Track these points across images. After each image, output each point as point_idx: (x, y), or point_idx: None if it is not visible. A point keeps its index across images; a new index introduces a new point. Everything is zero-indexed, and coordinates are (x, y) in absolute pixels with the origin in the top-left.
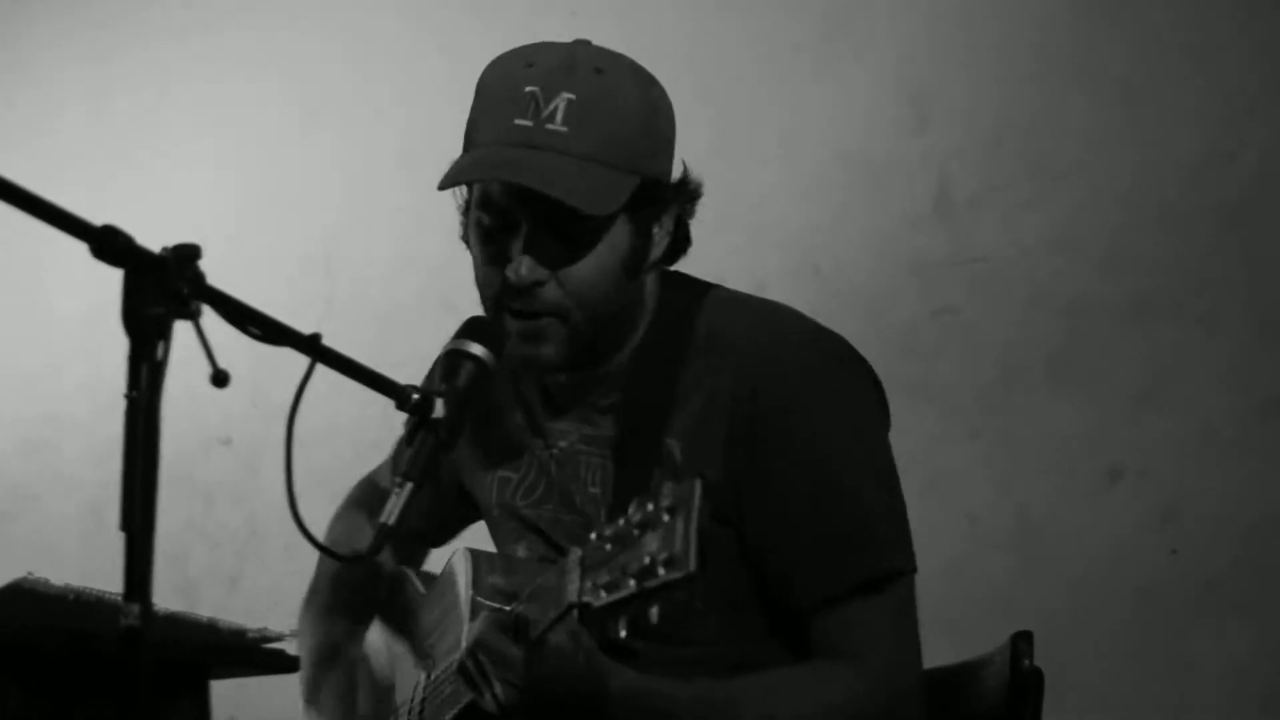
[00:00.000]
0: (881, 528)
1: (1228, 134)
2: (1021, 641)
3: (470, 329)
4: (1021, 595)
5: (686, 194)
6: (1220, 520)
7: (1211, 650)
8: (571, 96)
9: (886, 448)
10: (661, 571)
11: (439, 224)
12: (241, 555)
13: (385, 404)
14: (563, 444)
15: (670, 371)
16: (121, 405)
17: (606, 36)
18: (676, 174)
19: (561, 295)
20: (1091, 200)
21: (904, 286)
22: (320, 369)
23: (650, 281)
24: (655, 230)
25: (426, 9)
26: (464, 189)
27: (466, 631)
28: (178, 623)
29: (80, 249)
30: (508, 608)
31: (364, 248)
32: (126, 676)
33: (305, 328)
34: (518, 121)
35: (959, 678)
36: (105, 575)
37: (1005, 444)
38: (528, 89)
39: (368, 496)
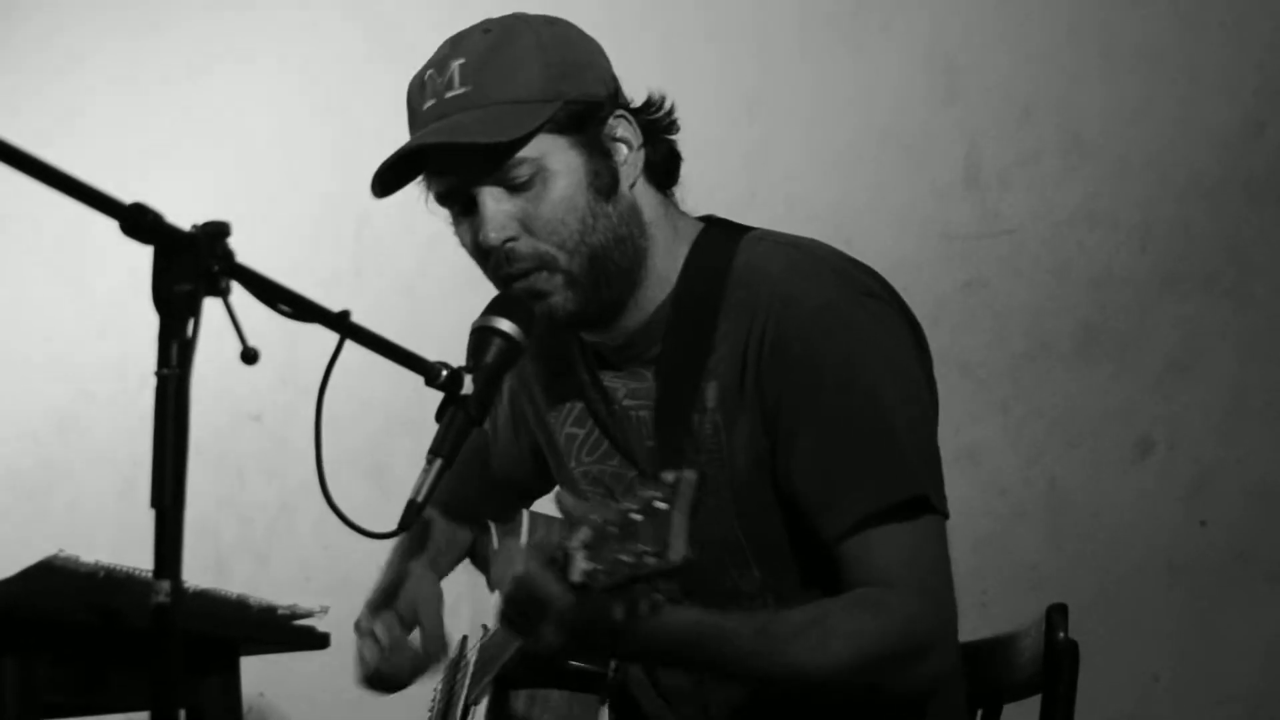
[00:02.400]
0: (910, 456)
1: (1257, 105)
2: (1056, 614)
3: (499, 305)
4: (1052, 568)
5: (644, 110)
6: (1251, 492)
7: (1243, 622)
8: (461, 60)
9: (919, 385)
10: (651, 561)
11: None
12: (272, 531)
13: (415, 381)
14: (615, 401)
15: (707, 315)
16: (152, 382)
17: (635, 11)
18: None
19: (537, 243)
20: (1121, 172)
21: (934, 259)
22: (350, 345)
23: (658, 205)
24: (621, 149)
25: None
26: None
27: None
28: (208, 599)
29: (110, 226)
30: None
31: (394, 222)
32: (157, 653)
33: (335, 302)
34: (425, 106)
35: (994, 651)
36: (136, 551)
37: (1035, 417)
38: (426, 76)
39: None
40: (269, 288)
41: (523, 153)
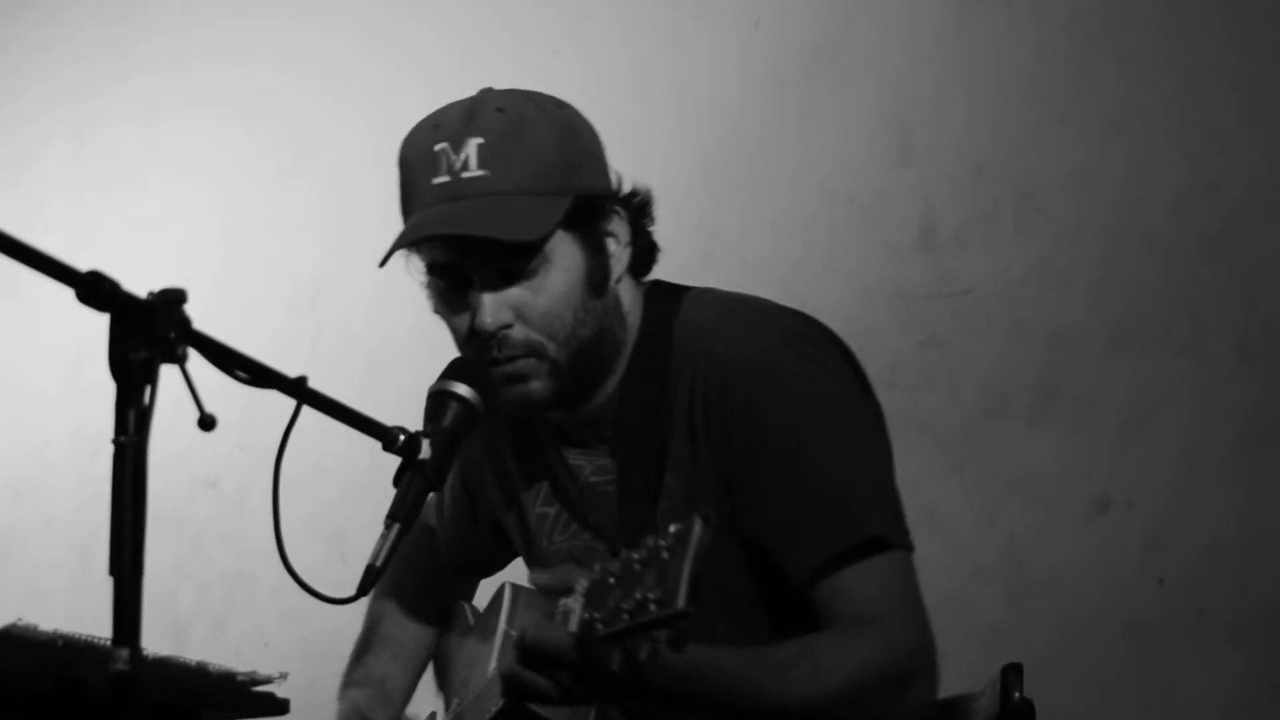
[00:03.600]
0: (859, 498)
1: (1211, 164)
2: (1011, 674)
3: (456, 369)
4: (1010, 627)
5: (629, 201)
6: (1209, 548)
7: (1202, 679)
8: (479, 140)
9: (865, 424)
10: (653, 608)
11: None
12: (230, 597)
13: (372, 445)
14: (581, 478)
15: (655, 383)
16: (109, 449)
17: (588, 74)
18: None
19: (530, 332)
20: (1075, 231)
21: (888, 319)
22: (307, 411)
23: (634, 296)
24: (610, 244)
25: (410, 49)
26: (419, 266)
27: (495, 663)
28: (167, 666)
29: (67, 293)
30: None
31: (349, 286)
32: None
33: (291, 367)
34: (435, 181)
35: (949, 711)
36: (94, 619)
37: (991, 476)
38: (436, 148)
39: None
40: (226, 354)
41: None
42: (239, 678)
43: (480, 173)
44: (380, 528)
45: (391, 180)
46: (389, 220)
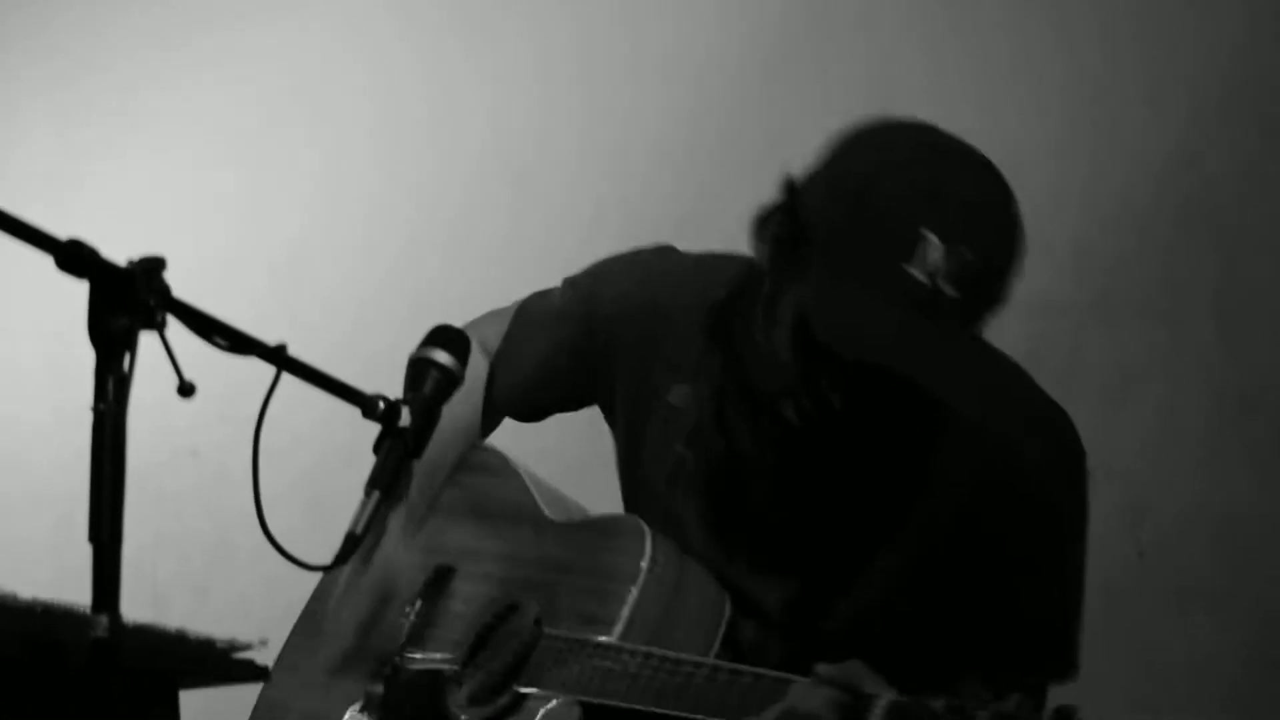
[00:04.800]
0: (1071, 641)
1: (1191, 136)
2: None
3: (436, 337)
4: None
5: None
6: (1188, 519)
7: (1180, 649)
8: (970, 258)
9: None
10: None
11: (403, 232)
12: (210, 565)
13: (352, 413)
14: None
15: (922, 450)
16: (88, 417)
17: (566, 67)
18: None
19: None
20: (1056, 202)
21: None
22: (286, 378)
23: None
24: None
25: (391, 23)
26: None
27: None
28: (147, 634)
29: (45, 261)
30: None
31: (330, 254)
32: (96, 688)
33: (270, 337)
34: (909, 270)
35: None
36: (74, 586)
37: None
38: (926, 232)
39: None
40: (205, 321)
41: None
42: (219, 645)
43: (953, 294)
44: (360, 495)
45: (372, 151)
46: (369, 190)
